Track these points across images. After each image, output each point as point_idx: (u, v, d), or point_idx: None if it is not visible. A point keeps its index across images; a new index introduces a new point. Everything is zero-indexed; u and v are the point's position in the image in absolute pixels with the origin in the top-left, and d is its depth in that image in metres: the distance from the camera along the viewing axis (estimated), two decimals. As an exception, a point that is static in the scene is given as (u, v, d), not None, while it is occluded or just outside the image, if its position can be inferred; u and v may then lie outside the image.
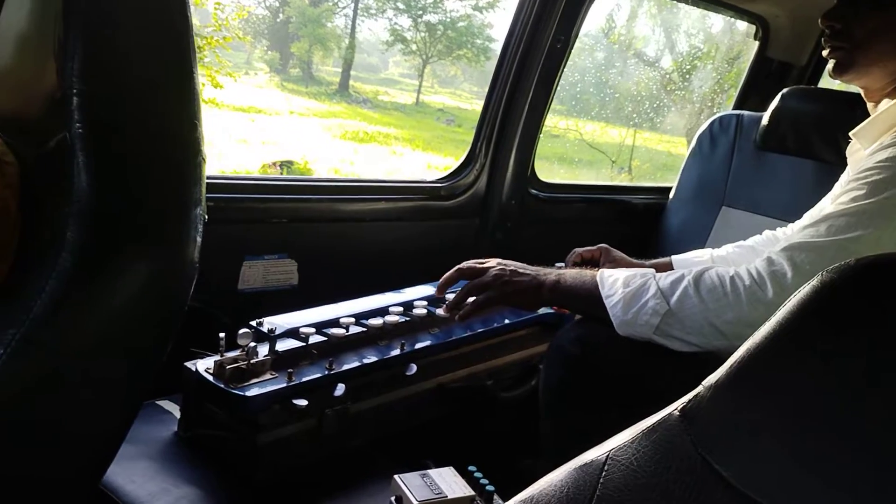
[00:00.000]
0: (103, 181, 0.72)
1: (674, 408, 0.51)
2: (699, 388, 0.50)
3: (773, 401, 0.46)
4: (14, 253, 0.78)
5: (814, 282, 0.47)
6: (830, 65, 1.28)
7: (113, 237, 0.73)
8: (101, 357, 0.74)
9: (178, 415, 1.24)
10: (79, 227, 0.71)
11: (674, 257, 1.67)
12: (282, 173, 7.84)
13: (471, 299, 1.34)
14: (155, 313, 0.78)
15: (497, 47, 1.90)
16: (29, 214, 0.79)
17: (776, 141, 1.99)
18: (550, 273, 1.31)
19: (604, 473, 0.52)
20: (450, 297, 1.40)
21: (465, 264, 1.37)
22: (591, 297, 1.24)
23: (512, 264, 1.34)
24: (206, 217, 0.81)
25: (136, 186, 0.75)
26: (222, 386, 1.12)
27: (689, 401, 0.50)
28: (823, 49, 1.29)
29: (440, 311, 1.43)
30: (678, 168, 2.25)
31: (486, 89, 1.94)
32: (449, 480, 1.12)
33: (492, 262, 1.35)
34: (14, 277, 0.76)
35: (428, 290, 1.52)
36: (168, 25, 0.78)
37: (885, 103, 1.25)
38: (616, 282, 1.22)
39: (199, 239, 0.79)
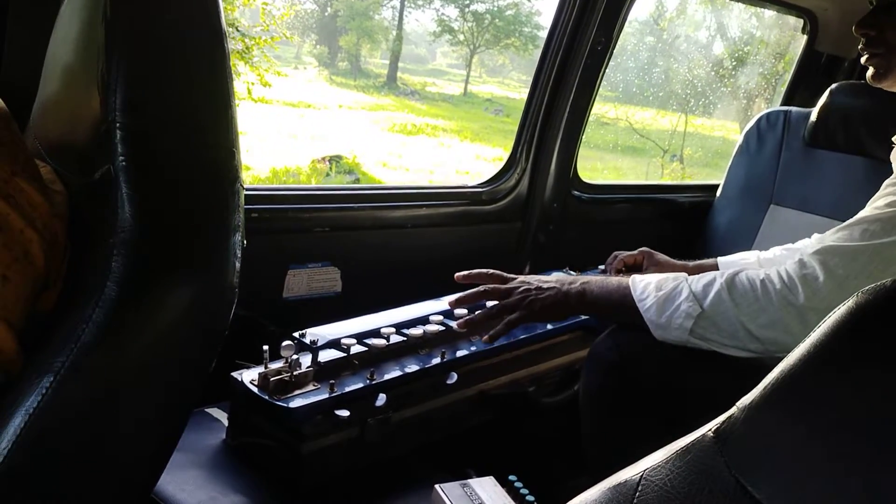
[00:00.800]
0: (146, 212, 0.75)
1: (707, 429, 0.51)
2: (733, 410, 0.50)
3: (807, 423, 0.46)
4: (63, 281, 0.81)
5: (849, 302, 0.47)
6: (869, 72, 1.25)
7: (156, 266, 0.75)
8: (146, 381, 0.77)
9: (226, 423, 1.27)
10: (123, 256, 0.73)
11: (720, 259, 1.65)
12: (330, 168, 7.93)
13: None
14: (197, 337, 0.80)
15: (545, 35, 1.89)
16: (76, 243, 0.83)
17: (825, 137, 1.95)
18: (575, 283, 1.29)
19: (637, 494, 0.52)
20: (460, 311, 1.39)
21: (489, 286, 1.34)
22: (623, 304, 1.23)
23: (535, 280, 1.33)
24: (245, 242, 0.83)
25: (177, 216, 0.77)
26: (267, 397, 1.15)
27: (723, 422, 0.50)
28: (861, 56, 1.26)
29: (455, 325, 1.38)
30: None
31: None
32: (489, 490, 1.14)
33: (515, 283, 1.33)
34: (62, 305, 0.80)
35: (469, 296, 1.53)
36: (206, 58, 0.80)
37: None
38: (648, 286, 1.22)
39: (238, 264, 0.81)
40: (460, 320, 1.35)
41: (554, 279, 1.32)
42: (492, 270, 1.37)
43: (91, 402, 0.73)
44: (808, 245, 1.59)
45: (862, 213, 1.15)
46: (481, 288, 1.34)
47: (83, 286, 0.76)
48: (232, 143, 0.81)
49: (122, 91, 0.75)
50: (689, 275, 1.23)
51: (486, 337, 1.34)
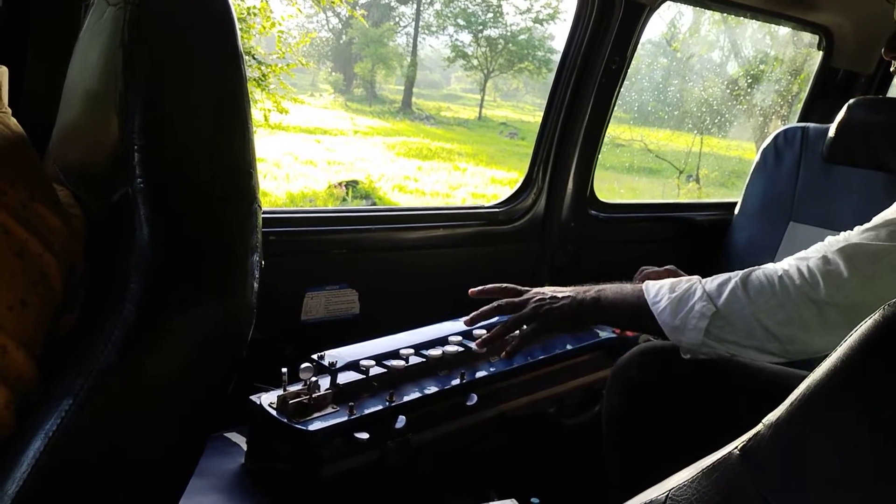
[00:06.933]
0: (164, 234, 0.75)
1: (734, 446, 0.50)
2: (759, 427, 0.49)
3: (835, 440, 0.45)
4: (81, 304, 0.81)
5: (875, 316, 0.46)
6: None
7: (174, 288, 0.75)
8: (165, 403, 0.76)
9: (244, 447, 1.27)
10: (141, 278, 0.73)
11: None
12: (347, 193, 7.97)
13: (514, 333, 1.32)
14: (215, 359, 0.80)
15: (558, 58, 1.90)
16: (94, 266, 0.83)
17: (844, 153, 1.92)
18: (589, 291, 1.27)
19: (663, 514, 0.51)
20: (478, 331, 1.38)
21: (503, 301, 1.31)
22: (636, 309, 1.21)
23: (550, 290, 1.30)
24: (263, 263, 0.83)
25: (195, 238, 0.77)
26: (285, 420, 1.14)
27: (749, 439, 0.49)
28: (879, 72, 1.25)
29: (474, 346, 1.38)
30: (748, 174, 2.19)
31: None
32: (510, 513, 1.12)
33: (528, 294, 1.31)
34: (81, 328, 0.79)
35: (487, 317, 1.52)
36: (223, 78, 0.80)
37: None
38: (662, 289, 1.20)
39: (256, 285, 0.81)
40: (478, 340, 1.34)
41: (569, 289, 1.29)
42: (506, 284, 1.35)
43: (110, 425, 0.73)
44: (824, 247, 1.57)
45: (889, 215, 1.12)
46: (495, 303, 1.32)
47: (101, 309, 0.76)
48: (249, 164, 0.81)
49: (140, 113, 0.75)
50: None
51: (503, 354, 1.33)
